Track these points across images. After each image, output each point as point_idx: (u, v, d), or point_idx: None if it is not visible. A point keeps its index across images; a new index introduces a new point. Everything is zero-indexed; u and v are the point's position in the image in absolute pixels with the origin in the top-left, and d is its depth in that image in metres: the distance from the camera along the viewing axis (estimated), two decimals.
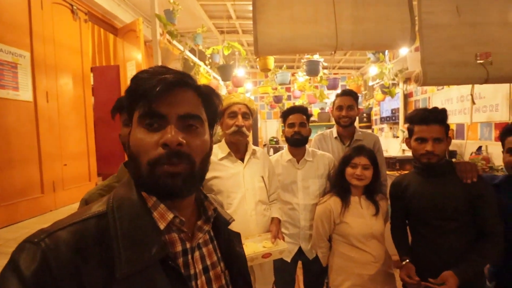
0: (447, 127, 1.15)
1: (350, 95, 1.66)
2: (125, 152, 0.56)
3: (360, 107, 4.83)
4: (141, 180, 0.48)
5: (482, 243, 1.06)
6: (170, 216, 0.49)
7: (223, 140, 1.33)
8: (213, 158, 1.26)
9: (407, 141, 1.23)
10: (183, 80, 0.50)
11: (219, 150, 1.29)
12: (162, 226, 0.49)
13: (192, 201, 0.57)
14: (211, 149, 0.56)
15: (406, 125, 1.26)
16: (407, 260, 1.16)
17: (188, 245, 0.53)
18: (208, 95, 0.55)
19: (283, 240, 1.25)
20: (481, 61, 1.61)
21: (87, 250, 0.41)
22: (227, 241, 0.61)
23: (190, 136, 0.50)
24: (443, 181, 1.13)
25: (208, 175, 1.23)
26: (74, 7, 2.45)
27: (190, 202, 0.56)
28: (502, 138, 1.13)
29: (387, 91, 3.34)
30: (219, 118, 0.58)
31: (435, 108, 1.16)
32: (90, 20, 2.69)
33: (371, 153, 1.28)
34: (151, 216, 0.48)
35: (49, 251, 0.39)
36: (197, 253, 0.54)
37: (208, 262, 0.56)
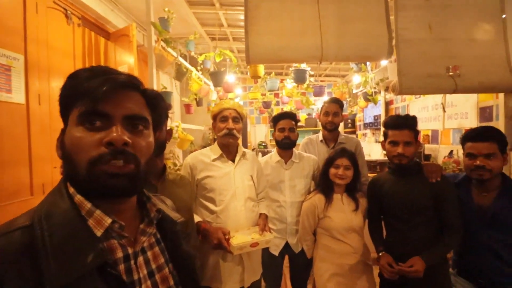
0: (416, 132, 1.29)
1: (336, 102, 1.82)
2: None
3: (344, 113, 5.04)
4: (78, 181, 0.47)
5: (444, 233, 1.21)
6: (108, 221, 0.47)
7: (215, 143, 1.43)
8: (206, 159, 1.37)
9: (383, 144, 1.37)
10: (131, 82, 0.50)
11: (211, 152, 1.40)
12: (99, 233, 0.46)
13: (133, 204, 0.55)
14: (154, 151, 0.55)
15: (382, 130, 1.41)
16: (383, 251, 1.30)
17: (130, 251, 0.51)
18: (154, 98, 0.55)
19: (270, 232, 1.36)
20: (451, 73, 1.79)
21: (11, 265, 0.39)
22: (174, 241, 0.60)
23: (135, 137, 0.49)
24: (412, 180, 1.28)
25: (202, 174, 1.34)
26: (68, 12, 2.49)
27: (130, 205, 0.54)
28: (462, 143, 1.29)
29: (371, 98, 3.52)
30: (164, 120, 0.60)
31: (407, 115, 1.31)
32: (83, 25, 2.73)
33: (352, 155, 1.41)
34: (85, 224, 0.46)
35: None
36: (141, 258, 0.52)
37: (154, 266, 0.54)
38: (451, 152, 2.53)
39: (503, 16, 1.78)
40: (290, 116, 1.66)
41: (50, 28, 2.29)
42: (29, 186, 2.09)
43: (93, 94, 0.45)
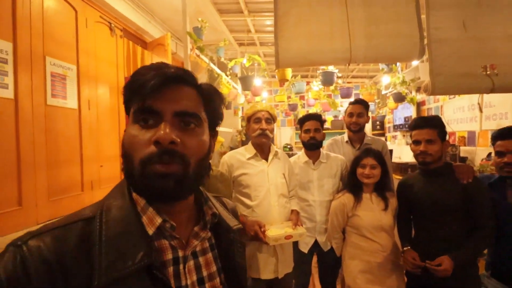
0: (441, 131, 1.30)
1: (361, 103, 1.83)
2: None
3: (373, 115, 4.92)
4: (132, 180, 0.45)
5: (475, 234, 1.19)
6: (159, 220, 0.45)
7: (250, 143, 1.53)
8: (241, 158, 1.47)
9: (410, 146, 1.39)
10: (181, 76, 0.47)
11: (246, 152, 1.50)
12: (150, 231, 0.45)
13: (190, 205, 0.53)
14: (210, 151, 0.52)
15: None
16: (409, 247, 1.31)
17: (181, 253, 0.48)
18: (209, 94, 0.52)
19: (302, 226, 1.42)
20: (488, 72, 1.73)
21: (67, 255, 0.39)
22: (227, 250, 0.55)
23: (186, 135, 0.46)
24: (442, 181, 1.27)
25: (238, 172, 1.44)
26: (112, 25, 2.74)
27: (185, 206, 0.52)
28: (492, 143, 1.26)
29: (409, 98, 3.40)
30: (221, 120, 0.55)
31: (430, 116, 1.33)
32: (125, 36, 2.98)
33: (379, 154, 1.43)
34: (140, 221, 0.45)
35: (29, 255, 0.38)
36: (191, 263, 0.49)
37: (205, 273, 0.50)
38: (489, 154, 2.40)
39: None
40: (316, 117, 1.71)
41: (97, 40, 2.54)
42: (80, 183, 2.34)
43: (143, 90, 0.43)
